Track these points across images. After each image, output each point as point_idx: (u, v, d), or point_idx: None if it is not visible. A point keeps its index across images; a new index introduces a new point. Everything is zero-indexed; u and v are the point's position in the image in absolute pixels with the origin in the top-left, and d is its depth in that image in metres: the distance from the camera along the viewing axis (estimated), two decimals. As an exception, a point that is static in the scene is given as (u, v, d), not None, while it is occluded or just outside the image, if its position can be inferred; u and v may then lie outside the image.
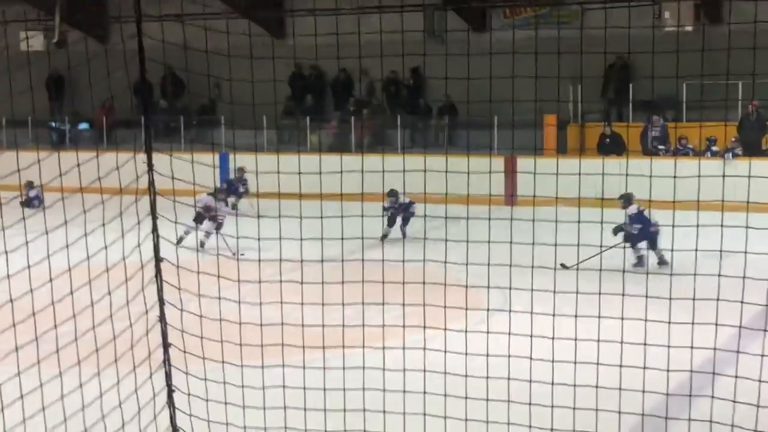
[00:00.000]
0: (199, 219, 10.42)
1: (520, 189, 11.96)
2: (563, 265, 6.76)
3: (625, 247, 8.47)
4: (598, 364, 4.27)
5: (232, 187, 13.32)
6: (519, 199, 11.43)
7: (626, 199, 9.52)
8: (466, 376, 4.25)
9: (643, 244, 9.74)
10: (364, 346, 4.87)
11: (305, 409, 4.43)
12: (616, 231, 9.23)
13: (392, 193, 10.89)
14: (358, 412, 4.42)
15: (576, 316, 4.21)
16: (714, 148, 13.91)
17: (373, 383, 4.47)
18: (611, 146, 13.72)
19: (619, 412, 4.38)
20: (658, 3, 14.21)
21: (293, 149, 14.63)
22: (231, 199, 12.99)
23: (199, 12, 12.19)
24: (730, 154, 13.20)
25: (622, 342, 4.22)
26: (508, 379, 4.29)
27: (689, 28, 14.66)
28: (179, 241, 7.71)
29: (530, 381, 4.42)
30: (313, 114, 16.89)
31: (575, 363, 4.17)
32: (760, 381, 4.15)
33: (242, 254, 6.23)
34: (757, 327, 4.93)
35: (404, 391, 4.48)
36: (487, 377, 4.20)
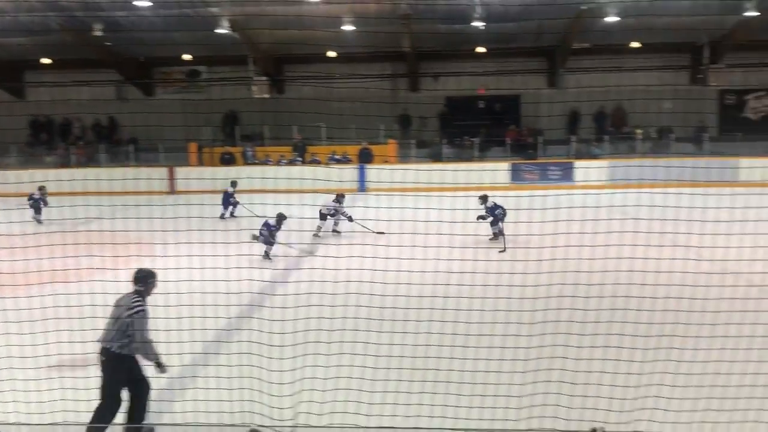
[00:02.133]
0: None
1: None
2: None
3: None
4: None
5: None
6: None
7: (483, 198, 13.93)
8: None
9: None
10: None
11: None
12: (479, 218, 13.43)
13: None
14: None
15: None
16: (336, 157, 26.39)
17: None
18: (229, 160, 26.44)
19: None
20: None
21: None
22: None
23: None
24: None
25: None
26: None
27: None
28: None
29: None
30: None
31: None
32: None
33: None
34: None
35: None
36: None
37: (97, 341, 5.72)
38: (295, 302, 6.70)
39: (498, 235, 13.57)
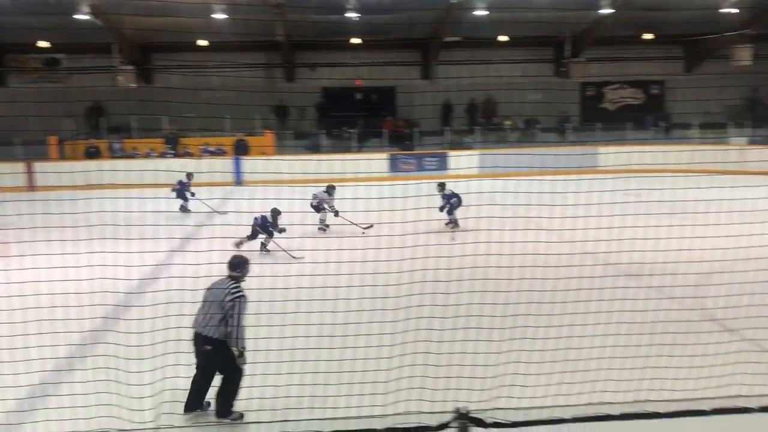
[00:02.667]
0: None
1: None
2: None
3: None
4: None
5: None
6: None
7: (441, 186, 14.12)
8: None
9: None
10: None
11: None
12: (441, 209, 13.72)
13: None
14: None
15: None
16: (210, 149, 25.34)
17: None
18: (94, 154, 24.94)
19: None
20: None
21: None
22: None
23: None
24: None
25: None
26: None
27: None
28: None
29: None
30: None
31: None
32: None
33: None
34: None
35: None
36: None
37: (196, 329, 5.79)
38: (167, 298, 6.38)
39: (453, 222, 13.88)
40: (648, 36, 26.76)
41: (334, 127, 26.32)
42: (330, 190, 14.37)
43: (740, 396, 3.10)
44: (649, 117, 27.26)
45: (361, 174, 17.86)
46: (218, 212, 15.88)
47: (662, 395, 4.55)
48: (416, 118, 27.28)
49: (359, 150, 25.75)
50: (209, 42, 25.56)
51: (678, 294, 8.56)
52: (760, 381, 5.46)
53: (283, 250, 11.79)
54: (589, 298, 6.52)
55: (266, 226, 12.27)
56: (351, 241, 11.20)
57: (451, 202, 13.85)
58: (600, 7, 24.21)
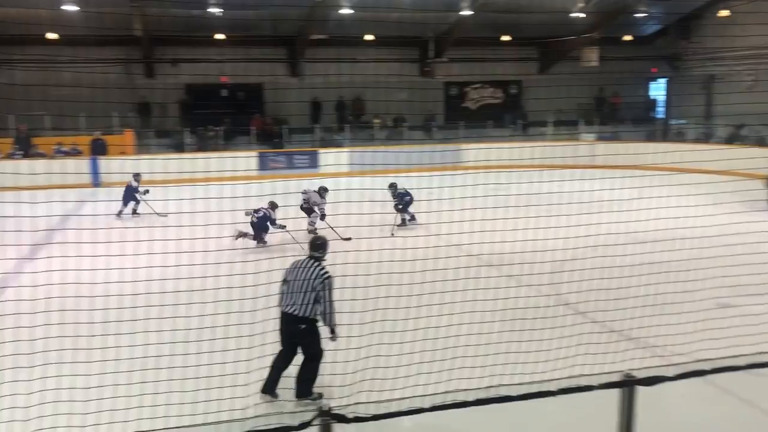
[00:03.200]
0: None
1: None
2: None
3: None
4: None
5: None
6: None
7: (393, 186, 14.24)
8: None
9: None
10: None
11: None
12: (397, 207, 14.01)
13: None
14: None
15: None
16: (64, 149, 23.28)
17: None
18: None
19: None
20: None
21: None
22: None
23: None
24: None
25: None
26: None
27: None
28: None
29: None
30: None
31: None
32: None
33: None
34: None
35: None
36: None
37: (286, 309, 6.01)
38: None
39: (407, 221, 14.17)
40: (505, 38, 28.05)
41: (199, 125, 25.48)
42: (322, 192, 13.66)
43: (582, 375, 3.31)
44: (508, 115, 28.61)
45: (228, 173, 17.43)
46: (159, 214, 15.36)
47: (514, 379, 4.78)
48: (285, 115, 26.99)
49: (226, 148, 25.11)
50: (59, 35, 23.89)
51: (535, 282, 9.05)
52: (601, 360, 5.88)
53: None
54: (454, 289, 6.73)
55: (266, 222, 12.34)
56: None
57: (406, 200, 14.18)
58: (460, 9, 25.09)
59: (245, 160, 23.12)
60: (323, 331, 6.06)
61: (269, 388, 6.06)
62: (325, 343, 6.08)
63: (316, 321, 6.03)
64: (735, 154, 18.75)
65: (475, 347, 5.95)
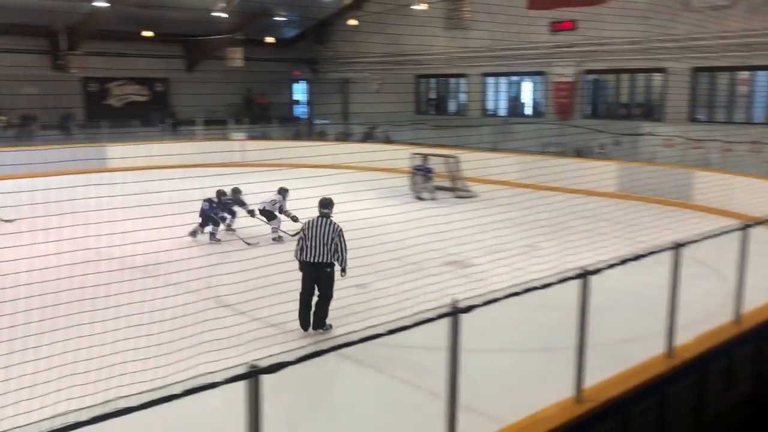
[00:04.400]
0: None
1: None
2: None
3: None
4: None
5: None
6: None
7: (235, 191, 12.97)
8: None
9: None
10: None
11: None
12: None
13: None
14: None
15: None
16: None
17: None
18: None
19: None
20: None
21: None
22: None
23: None
24: None
25: None
26: None
27: None
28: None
29: None
30: None
31: None
32: None
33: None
34: None
35: None
36: None
37: (311, 260, 7.81)
38: None
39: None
40: (148, 33, 26.96)
41: None
42: (284, 193, 13.04)
43: (209, 373, 3.25)
44: (156, 114, 27.60)
45: None
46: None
47: (145, 386, 4.52)
48: None
49: None
50: None
51: (195, 286, 8.75)
52: (234, 353, 5.98)
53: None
54: (95, 295, 6.19)
55: (218, 209, 12.45)
56: None
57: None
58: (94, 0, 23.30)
59: None
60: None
61: (305, 324, 7.93)
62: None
63: (334, 265, 7.88)
64: (371, 150, 20.88)
65: (99, 359, 5.52)
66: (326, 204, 8.10)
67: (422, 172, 18.64)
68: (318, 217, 8.02)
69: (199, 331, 6.41)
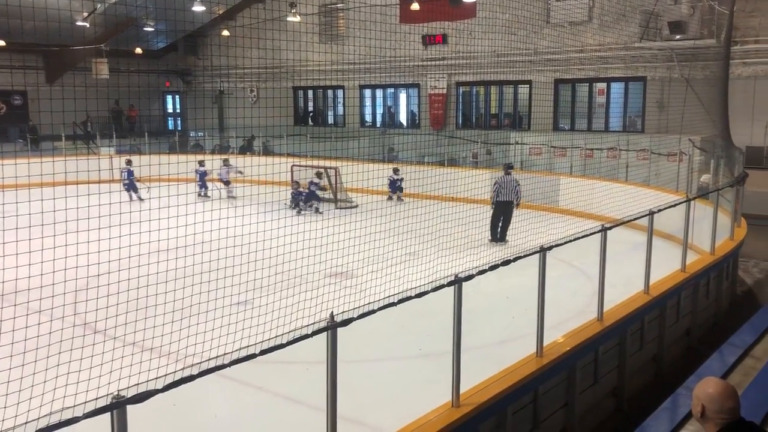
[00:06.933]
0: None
1: None
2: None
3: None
4: None
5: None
6: None
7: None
8: None
9: None
10: None
11: None
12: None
13: None
14: None
15: None
16: None
17: None
18: None
19: None
20: None
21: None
22: None
23: None
24: None
25: None
26: None
27: None
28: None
29: None
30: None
31: None
32: None
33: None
34: None
35: None
36: None
37: (502, 198, 13.63)
38: None
39: None
40: (0, 43, 25.15)
41: None
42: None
43: (72, 407, 3.00)
44: (13, 129, 25.75)
45: None
46: None
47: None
48: None
49: None
50: None
51: (60, 312, 8.13)
52: (107, 380, 5.62)
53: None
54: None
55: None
56: None
57: None
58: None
59: None
60: None
61: (495, 238, 13.70)
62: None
63: (513, 202, 13.66)
64: (249, 162, 20.48)
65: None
66: (509, 166, 14.19)
67: (315, 186, 18.66)
68: (503, 174, 13.83)
69: (66, 360, 5.97)
